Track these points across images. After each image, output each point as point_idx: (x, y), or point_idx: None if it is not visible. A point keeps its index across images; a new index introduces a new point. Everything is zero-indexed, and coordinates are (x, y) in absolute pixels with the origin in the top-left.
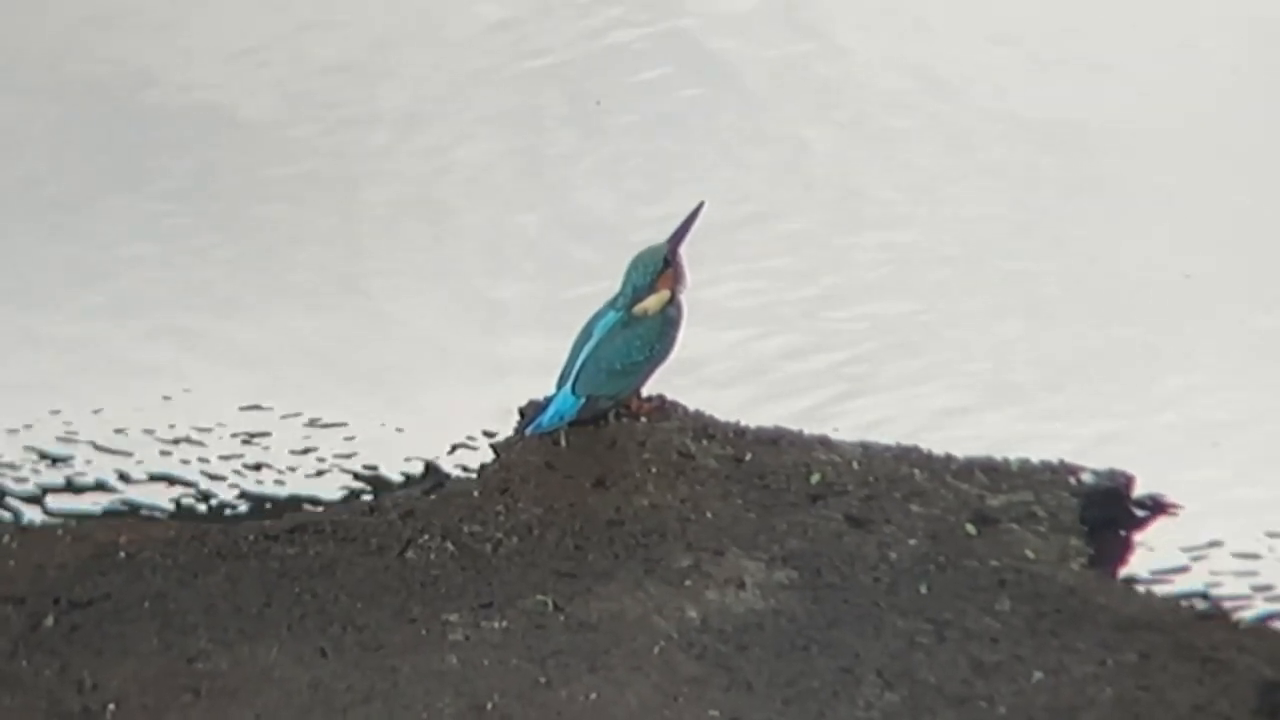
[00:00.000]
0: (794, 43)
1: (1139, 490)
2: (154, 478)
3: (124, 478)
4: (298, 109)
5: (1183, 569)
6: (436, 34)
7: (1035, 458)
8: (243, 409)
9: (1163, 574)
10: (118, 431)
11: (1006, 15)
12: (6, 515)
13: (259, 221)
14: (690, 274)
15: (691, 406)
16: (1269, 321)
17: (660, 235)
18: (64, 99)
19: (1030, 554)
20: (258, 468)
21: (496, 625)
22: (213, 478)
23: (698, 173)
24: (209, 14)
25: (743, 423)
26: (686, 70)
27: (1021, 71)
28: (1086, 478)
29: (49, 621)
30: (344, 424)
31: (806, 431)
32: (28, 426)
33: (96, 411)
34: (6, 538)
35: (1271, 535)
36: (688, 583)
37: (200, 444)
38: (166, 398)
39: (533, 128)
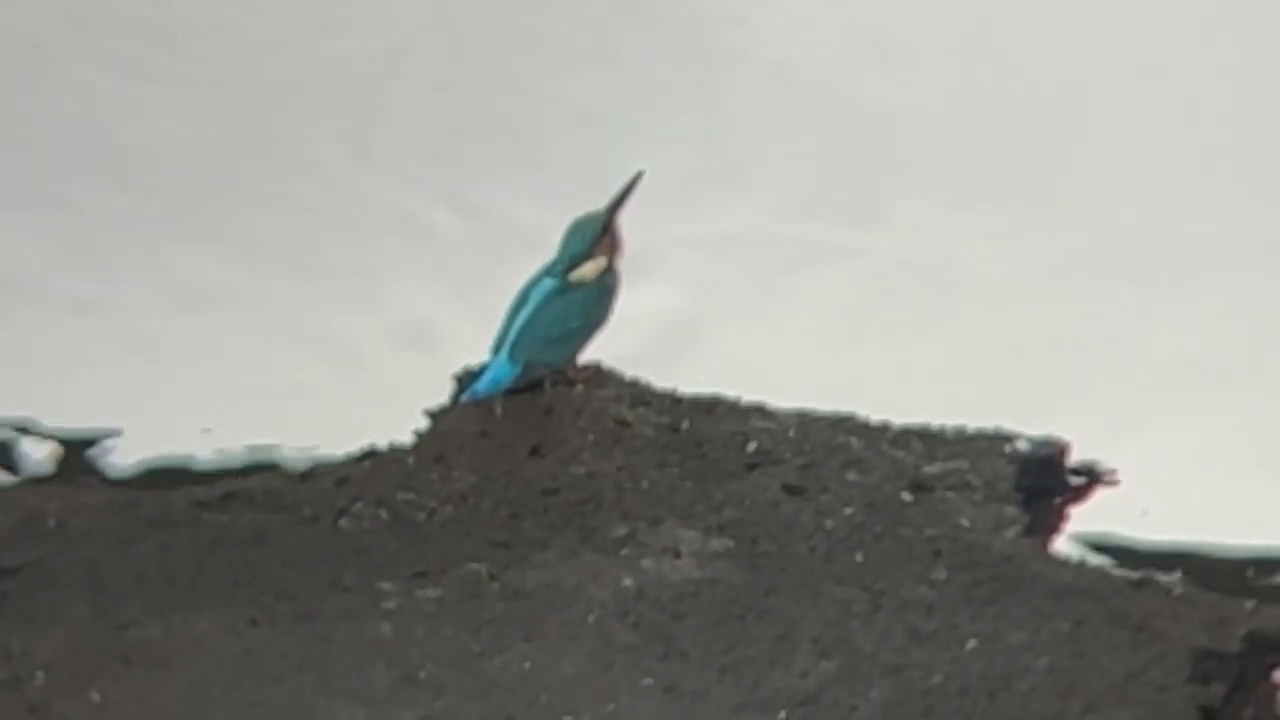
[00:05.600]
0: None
1: (1074, 458)
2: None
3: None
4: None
5: (1117, 537)
6: None
7: (971, 425)
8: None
9: (1097, 542)
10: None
11: None
12: None
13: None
14: (627, 240)
15: (628, 374)
16: (1204, 290)
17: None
18: None
19: (965, 522)
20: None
21: (430, 594)
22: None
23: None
24: None
25: (679, 390)
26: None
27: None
28: (1022, 445)
29: None
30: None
31: (743, 399)
32: None
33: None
34: None
35: (1205, 503)
36: (624, 551)
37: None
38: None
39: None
